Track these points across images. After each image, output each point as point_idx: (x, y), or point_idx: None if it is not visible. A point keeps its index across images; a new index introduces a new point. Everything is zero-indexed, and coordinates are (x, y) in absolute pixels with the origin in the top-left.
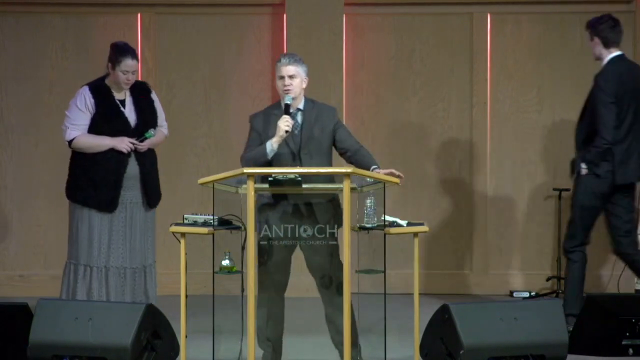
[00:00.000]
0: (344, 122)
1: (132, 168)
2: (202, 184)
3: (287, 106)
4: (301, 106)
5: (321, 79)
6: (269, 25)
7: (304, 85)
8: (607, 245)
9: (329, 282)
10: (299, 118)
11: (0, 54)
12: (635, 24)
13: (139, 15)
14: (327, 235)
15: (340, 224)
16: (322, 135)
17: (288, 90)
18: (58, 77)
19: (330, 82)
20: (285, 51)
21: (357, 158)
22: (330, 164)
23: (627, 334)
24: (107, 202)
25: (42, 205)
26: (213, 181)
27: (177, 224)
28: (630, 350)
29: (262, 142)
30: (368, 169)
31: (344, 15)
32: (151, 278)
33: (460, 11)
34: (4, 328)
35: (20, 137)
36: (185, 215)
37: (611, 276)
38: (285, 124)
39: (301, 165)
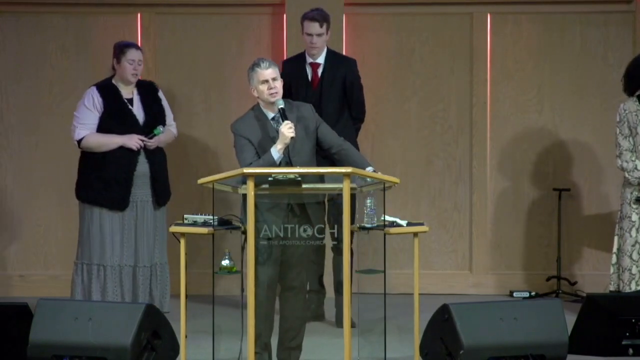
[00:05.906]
0: None
1: (142, 166)
2: (202, 184)
3: (283, 110)
4: None
5: None
6: (269, 25)
7: None
8: (606, 246)
9: (301, 283)
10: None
11: (0, 54)
12: (635, 24)
13: (139, 15)
14: (327, 235)
15: (324, 223)
16: (306, 135)
17: (275, 93)
18: (58, 77)
19: None
20: (285, 51)
21: (345, 155)
22: (315, 163)
23: (627, 334)
24: (119, 201)
25: (42, 205)
26: (213, 181)
27: (177, 224)
28: (630, 350)
29: (256, 149)
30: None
31: (344, 15)
32: (156, 278)
33: (460, 11)
34: (4, 328)
35: (20, 137)
36: (185, 215)
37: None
38: (289, 130)
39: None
